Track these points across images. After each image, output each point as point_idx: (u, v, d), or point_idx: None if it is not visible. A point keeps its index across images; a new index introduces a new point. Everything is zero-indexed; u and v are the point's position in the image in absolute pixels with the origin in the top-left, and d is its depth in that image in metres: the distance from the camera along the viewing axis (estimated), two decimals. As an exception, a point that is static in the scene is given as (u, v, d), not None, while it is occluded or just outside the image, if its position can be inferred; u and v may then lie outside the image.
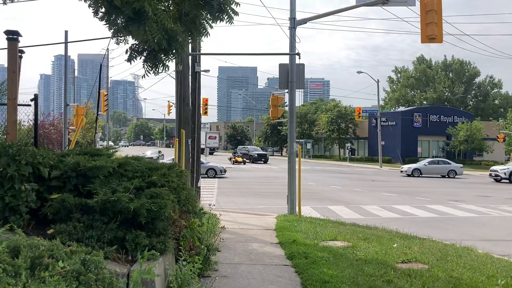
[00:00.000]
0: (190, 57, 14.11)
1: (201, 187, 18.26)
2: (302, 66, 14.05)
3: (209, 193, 21.23)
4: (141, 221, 4.27)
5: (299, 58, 12.99)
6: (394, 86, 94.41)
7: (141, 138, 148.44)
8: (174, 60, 8.40)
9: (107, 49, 61.52)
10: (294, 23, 13.80)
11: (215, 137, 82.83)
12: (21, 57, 6.30)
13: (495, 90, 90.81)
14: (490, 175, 34.98)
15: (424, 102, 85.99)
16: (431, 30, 13.58)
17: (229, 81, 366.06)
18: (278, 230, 10.49)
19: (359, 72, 52.39)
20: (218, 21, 7.61)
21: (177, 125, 12.26)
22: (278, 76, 14.47)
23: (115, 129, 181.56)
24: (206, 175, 30.94)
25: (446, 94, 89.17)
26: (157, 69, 8.55)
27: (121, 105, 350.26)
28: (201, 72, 45.33)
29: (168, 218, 4.68)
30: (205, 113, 44.27)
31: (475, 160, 58.77)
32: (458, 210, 16.77)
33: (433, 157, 56.67)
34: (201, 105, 14.49)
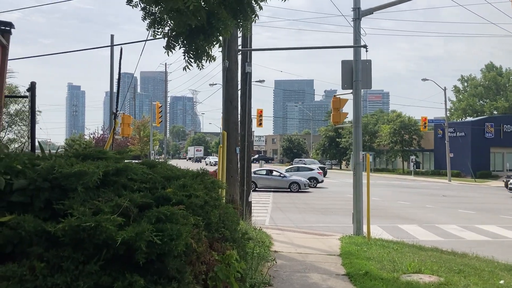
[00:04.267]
0: (239, 54, 12.62)
1: (253, 202, 16.67)
2: (368, 62, 12.15)
3: (262, 209, 19.54)
4: (139, 260, 2.65)
5: (366, 51, 11.11)
6: (460, 96, 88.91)
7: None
8: (217, 46, 6.87)
9: (165, 64, 62.04)
10: (358, 14, 11.96)
11: (201, 149, 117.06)
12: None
13: None
14: None
15: (495, 112, 79.98)
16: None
17: (285, 93, 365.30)
18: (345, 256, 8.59)
19: (424, 80, 49.08)
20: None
21: (223, 127, 10.74)
22: (335, 89, 12.75)
23: (174, 143, 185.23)
24: (289, 189, 29.35)
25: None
26: (200, 60, 7.06)
27: (180, 120, 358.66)
28: (256, 83, 43.78)
29: (187, 252, 3.03)
30: (260, 124, 42.94)
31: (557, 174, 53.10)
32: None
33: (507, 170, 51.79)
34: (251, 111, 12.93)
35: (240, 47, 11.57)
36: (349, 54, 12.78)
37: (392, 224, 15.81)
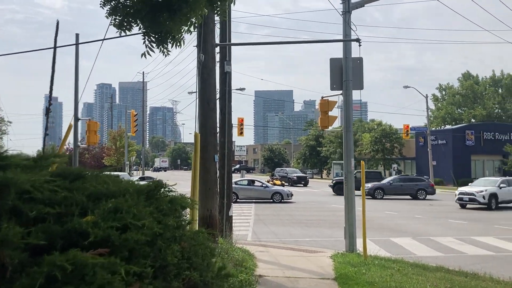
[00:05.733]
0: (217, 53, 11.36)
1: (234, 215, 15.30)
2: (360, 60, 11.02)
3: (244, 222, 18.17)
4: None
5: (360, 45, 9.95)
6: (439, 104, 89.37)
7: (178, 163, 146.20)
8: (187, 28, 5.60)
9: (143, 72, 60.48)
10: (348, 6, 10.84)
11: (166, 160, 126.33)
12: None
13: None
14: None
15: (473, 120, 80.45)
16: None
17: (265, 104, 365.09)
18: (341, 281, 7.32)
19: (406, 87, 48.67)
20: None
21: (200, 135, 9.39)
22: (314, 99, 11.68)
23: (154, 154, 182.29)
24: (272, 200, 27.97)
25: (497, 111, 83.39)
26: (163, 45, 5.76)
27: (160, 131, 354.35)
28: (236, 91, 42.45)
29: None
30: (241, 133, 41.65)
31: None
32: None
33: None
34: (231, 115, 11.63)
35: (218, 40, 10.28)
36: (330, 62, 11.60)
37: (384, 237, 14.65)
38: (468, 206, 25.46)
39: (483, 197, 24.74)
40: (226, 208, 11.08)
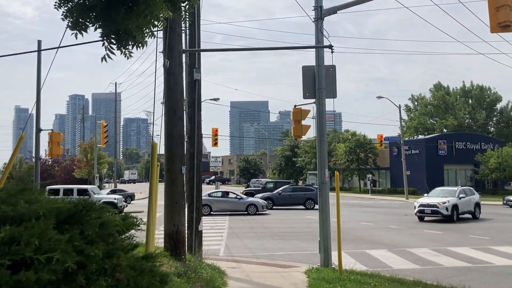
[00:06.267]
0: (187, 64, 10.94)
1: (206, 228, 14.73)
2: (333, 68, 10.75)
3: (217, 236, 17.60)
4: None
5: (332, 52, 9.66)
6: (411, 114, 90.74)
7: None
8: (151, 28, 5.14)
9: (115, 83, 59.45)
10: (320, 13, 10.58)
11: (135, 173, 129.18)
12: None
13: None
14: None
15: (445, 130, 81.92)
16: (504, 16, 10.32)
17: (241, 115, 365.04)
18: (315, 300, 6.89)
19: (379, 97, 49.01)
20: None
21: (165, 145, 8.90)
22: (290, 109, 11.37)
23: (127, 166, 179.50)
24: (246, 212, 27.30)
25: (467, 121, 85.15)
26: (124, 46, 5.28)
27: (134, 142, 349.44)
28: (210, 101, 41.94)
29: None
30: (215, 144, 41.15)
31: (508, 190, 54.20)
32: (540, 254, 12.92)
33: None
34: (201, 124, 11.15)
35: (186, 46, 9.84)
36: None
37: (359, 249, 14.33)
38: (426, 218, 23.65)
39: (447, 209, 22.89)
40: (196, 222, 10.56)
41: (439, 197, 24.02)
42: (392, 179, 61.46)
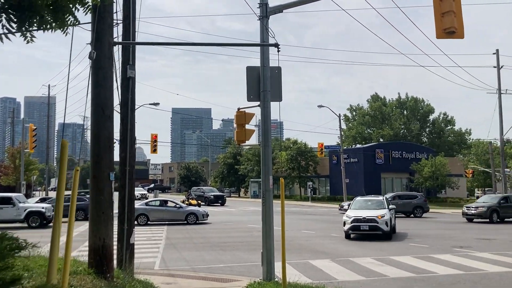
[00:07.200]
0: (121, 62, 9.97)
1: (142, 239, 13.62)
2: (278, 70, 10.20)
3: (153, 247, 16.49)
4: None
5: (278, 51, 9.06)
6: (350, 124, 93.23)
7: (87, 182, 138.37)
8: (69, 14, 4.26)
9: (49, 85, 55.90)
10: (265, 11, 10.02)
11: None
12: None
13: (449, 127, 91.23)
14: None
15: (381, 140, 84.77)
16: (449, 22, 10.25)
17: (183, 121, 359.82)
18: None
19: (320, 106, 49.56)
20: None
21: (91, 148, 7.90)
22: (233, 117, 10.72)
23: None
24: (186, 222, 26.14)
25: (403, 131, 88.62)
26: (27, 26, 4.35)
27: (70, 148, 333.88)
28: (150, 105, 40.27)
29: None
30: (155, 150, 39.64)
31: (440, 197, 56.61)
32: (479, 262, 12.95)
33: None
34: (135, 127, 10.17)
35: (119, 38, 8.88)
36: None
37: (302, 259, 13.83)
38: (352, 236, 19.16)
39: (386, 224, 18.65)
40: (127, 235, 9.55)
41: (370, 210, 19.74)
42: (331, 186, 62.42)
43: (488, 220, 27.72)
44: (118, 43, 8.86)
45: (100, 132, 7.85)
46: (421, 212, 33.50)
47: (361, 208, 20.32)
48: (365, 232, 18.87)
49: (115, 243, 8.95)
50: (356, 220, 18.94)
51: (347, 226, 19.12)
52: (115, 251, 9.24)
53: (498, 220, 28.09)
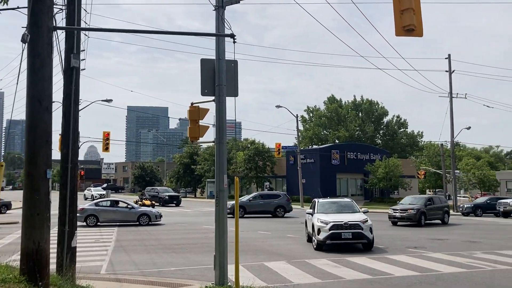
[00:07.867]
0: (63, 48, 9.20)
1: (90, 242, 12.73)
2: (234, 63, 9.72)
3: (101, 250, 15.60)
4: None
5: (234, 42, 8.58)
6: (307, 125, 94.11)
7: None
8: None
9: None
10: (221, 1, 9.51)
11: (4, 180, 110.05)
12: None
13: (402, 130, 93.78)
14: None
15: (337, 141, 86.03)
16: (408, 19, 10.10)
17: (139, 120, 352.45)
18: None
19: (278, 106, 49.48)
20: None
21: (26, 142, 7.13)
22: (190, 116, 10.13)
23: (9, 172, 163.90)
24: (138, 223, 25.13)
25: (358, 133, 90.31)
26: None
27: (19, 146, 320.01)
28: (103, 102, 38.78)
29: None
30: (107, 149, 38.15)
31: (393, 198, 57.90)
32: (434, 263, 12.94)
33: (352, 195, 55.00)
34: (78, 121, 9.41)
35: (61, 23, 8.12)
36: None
37: (257, 261, 13.41)
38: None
39: (371, 231, 15.84)
40: (68, 237, 8.79)
41: (333, 214, 16.62)
42: (288, 186, 62.57)
43: (416, 223, 25.66)
44: (59, 28, 8.10)
45: (36, 125, 7.09)
46: (283, 211, 33.19)
47: (333, 212, 16.89)
48: (347, 242, 15.53)
49: (54, 246, 8.21)
50: (336, 226, 15.34)
51: (323, 235, 15.41)
52: (54, 255, 8.50)
53: (426, 222, 26.27)
